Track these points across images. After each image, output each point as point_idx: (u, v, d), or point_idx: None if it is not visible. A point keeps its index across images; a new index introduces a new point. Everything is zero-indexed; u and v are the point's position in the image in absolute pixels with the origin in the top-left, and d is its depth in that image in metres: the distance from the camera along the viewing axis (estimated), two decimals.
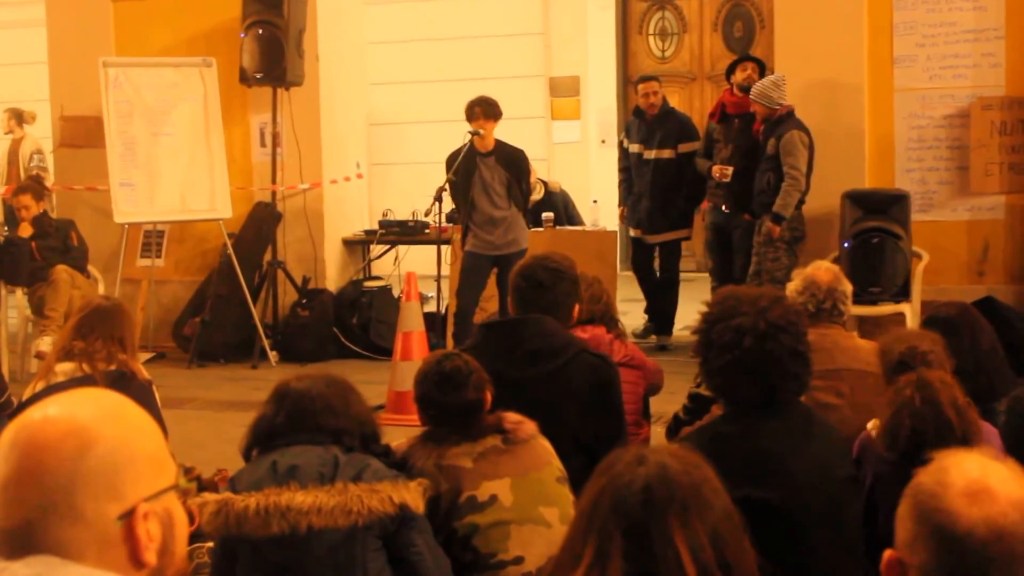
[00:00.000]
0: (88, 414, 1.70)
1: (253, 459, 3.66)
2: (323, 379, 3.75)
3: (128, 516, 1.67)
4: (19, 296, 9.81)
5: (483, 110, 8.72)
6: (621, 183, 10.41)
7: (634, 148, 10.07)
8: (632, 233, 10.31)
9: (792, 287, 4.95)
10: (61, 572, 1.60)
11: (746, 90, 9.21)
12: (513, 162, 8.86)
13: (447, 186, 8.76)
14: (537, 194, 10.80)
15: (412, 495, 3.52)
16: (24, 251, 9.58)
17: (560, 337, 4.39)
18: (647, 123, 9.98)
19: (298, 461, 3.52)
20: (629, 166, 10.19)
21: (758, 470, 3.21)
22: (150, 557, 1.68)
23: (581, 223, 11.07)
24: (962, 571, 1.76)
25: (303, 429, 3.61)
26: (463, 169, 8.75)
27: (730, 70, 9.69)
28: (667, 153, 9.86)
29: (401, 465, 3.72)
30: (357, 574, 3.50)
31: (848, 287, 4.99)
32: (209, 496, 3.55)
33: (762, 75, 9.31)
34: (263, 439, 3.65)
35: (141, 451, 1.71)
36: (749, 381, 3.35)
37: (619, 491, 2.00)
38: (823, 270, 4.99)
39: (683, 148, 9.83)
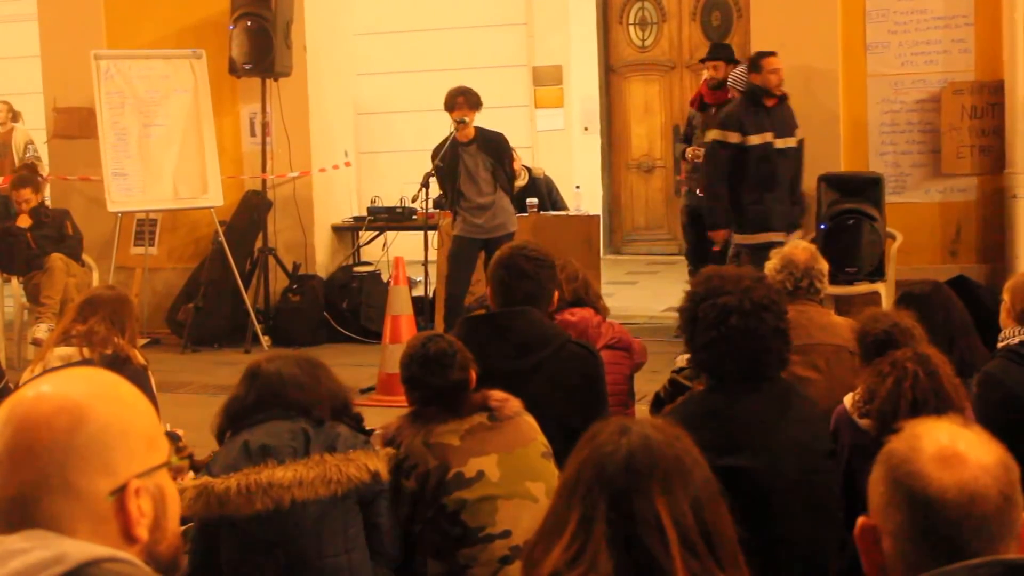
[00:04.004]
0: (81, 391, 1.71)
1: (226, 441, 3.69)
2: (293, 358, 3.80)
3: (120, 492, 1.67)
4: (15, 284, 9.88)
5: (466, 99, 8.72)
6: (712, 185, 8.83)
7: (759, 139, 8.70)
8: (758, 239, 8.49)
9: (770, 266, 5.04)
10: (55, 545, 1.60)
11: (717, 86, 9.39)
12: (494, 146, 8.88)
13: (435, 173, 8.81)
14: (521, 180, 10.90)
15: (382, 464, 3.64)
16: (20, 240, 9.65)
17: (546, 328, 4.46)
18: (770, 109, 8.79)
19: (268, 439, 3.57)
20: (726, 164, 8.71)
21: (739, 441, 3.31)
22: (141, 532, 1.69)
23: (565, 208, 11.20)
24: (935, 534, 1.80)
25: (272, 406, 3.66)
26: (448, 159, 8.79)
27: (705, 61, 9.82)
28: (793, 142, 8.87)
29: (366, 431, 3.81)
30: (340, 541, 3.60)
31: (824, 266, 5.09)
32: (187, 483, 3.55)
33: (728, 63, 9.42)
34: (235, 419, 3.70)
35: (134, 428, 1.71)
36: (733, 357, 3.45)
37: (602, 460, 2.04)
38: (800, 249, 5.11)
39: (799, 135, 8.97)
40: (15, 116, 12.75)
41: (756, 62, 8.79)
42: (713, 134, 8.77)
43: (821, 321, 4.84)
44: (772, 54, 8.80)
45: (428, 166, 8.87)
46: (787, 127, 8.80)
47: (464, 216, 8.91)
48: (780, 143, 8.70)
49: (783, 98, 8.79)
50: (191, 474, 3.88)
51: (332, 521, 3.59)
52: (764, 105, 8.71)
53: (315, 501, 3.52)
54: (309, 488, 3.50)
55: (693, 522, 2.00)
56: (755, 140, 8.64)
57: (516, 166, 10.52)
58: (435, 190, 9.11)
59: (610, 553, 1.98)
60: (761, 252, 8.02)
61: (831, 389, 4.43)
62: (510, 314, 4.47)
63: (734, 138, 8.66)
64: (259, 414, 3.65)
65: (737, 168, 8.67)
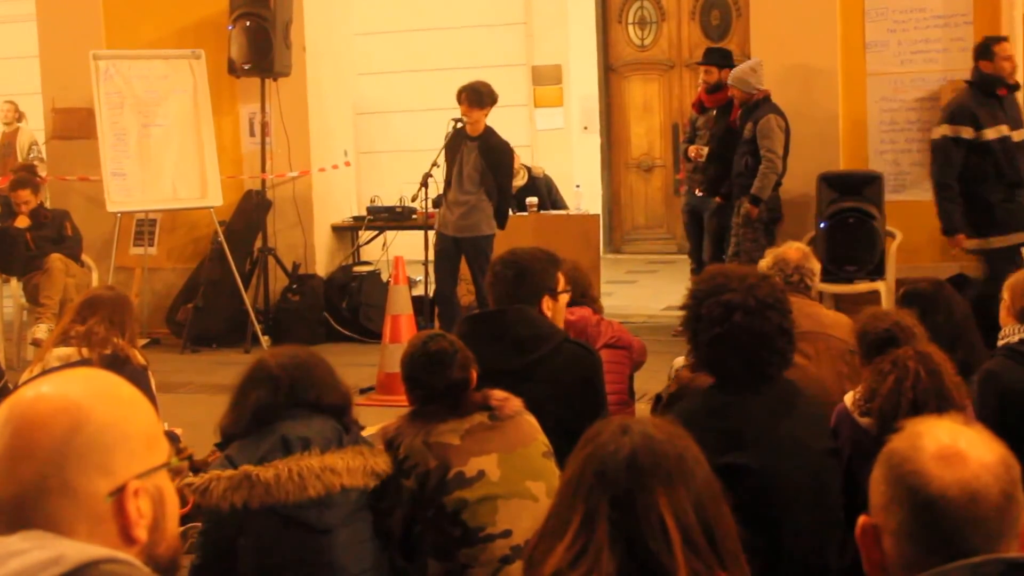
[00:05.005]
0: (81, 392, 1.70)
1: (248, 437, 3.66)
2: (303, 353, 3.81)
3: (119, 493, 1.67)
4: (14, 285, 9.87)
5: (467, 97, 8.76)
6: (946, 186, 8.06)
7: (995, 132, 8.02)
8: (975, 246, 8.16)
9: (763, 263, 5.13)
10: (54, 545, 1.60)
11: (713, 89, 9.42)
12: (492, 153, 8.85)
13: (441, 166, 8.87)
14: (521, 180, 10.94)
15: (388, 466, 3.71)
16: (19, 241, 9.64)
17: (543, 326, 4.48)
18: (1001, 99, 8.13)
19: (307, 432, 3.60)
20: (959, 162, 8.04)
21: (740, 440, 3.30)
22: (140, 533, 1.69)
23: (565, 207, 11.22)
24: (936, 532, 1.80)
25: (301, 404, 3.67)
26: (451, 149, 8.86)
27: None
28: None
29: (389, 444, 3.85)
30: (369, 529, 3.65)
31: (816, 266, 5.19)
32: (221, 472, 3.54)
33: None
34: (263, 418, 3.65)
35: (133, 429, 1.71)
36: (736, 355, 3.44)
37: (604, 460, 2.04)
38: (793, 249, 5.20)
39: None
40: (20, 116, 12.74)
41: (987, 48, 8.10)
42: (943, 130, 8.00)
43: (808, 311, 4.86)
44: (1004, 39, 8.15)
45: (427, 166, 8.89)
46: (1019, 118, 8.14)
47: (441, 211, 9.00)
48: (1017, 135, 8.04)
49: (1015, 88, 8.16)
50: (191, 476, 3.86)
51: (363, 509, 3.63)
52: (996, 95, 8.02)
53: (354, 489, 3.56)
54: (356, 476, 3.55)
55: (695, 521, 2.00)
56: (991, 134, 7.93)
57: (515, 166, 10.54)
58: (434, 190, 9.13)
59: (613, 552, 1.98)
60: (1009, 255, 7.76)
61: (819, 376, 4.48)
62: (506, 312, 4.50)
63: (967, 133, 7.92)
64: (289, 411, 3.66)
65: (972, 165, 7.96)
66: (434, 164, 8.86)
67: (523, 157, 11.32)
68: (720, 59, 9.66)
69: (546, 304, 4.61)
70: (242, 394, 3.72)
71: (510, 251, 4.74)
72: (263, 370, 3.72)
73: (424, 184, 8.81)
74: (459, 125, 8.79)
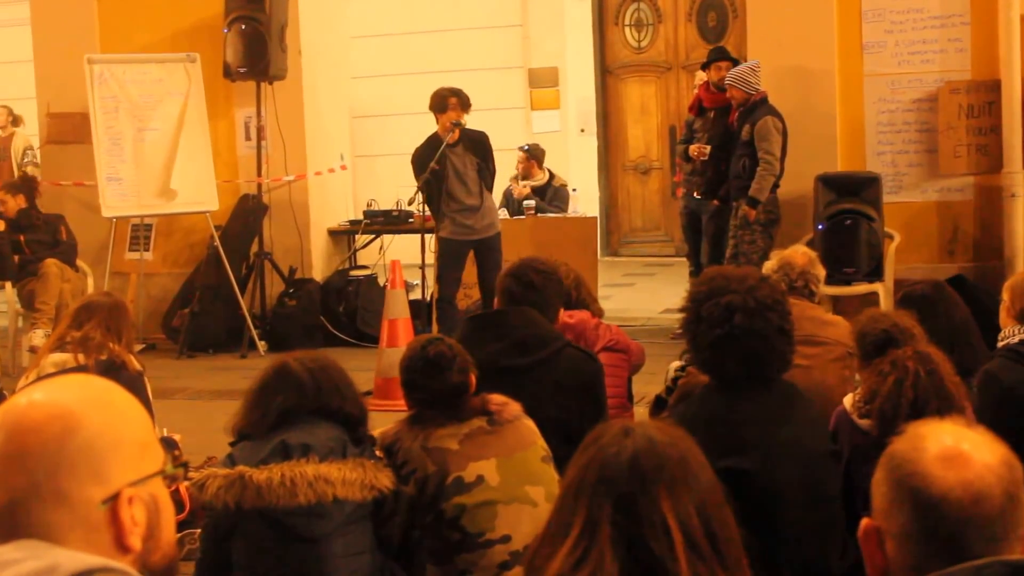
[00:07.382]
0: (73, 398, 1.69)
1: (252, 439, 3.68)
2: (324, 358, 3.82)
3: (112, 500, 1.66)
4: (9, 291, 9.85)
5: (459, 100, 8.75)
6: None
7: None
8: None
9: (768, 265, 5.14)
10: (48, 555, 1.59)
11: (722, 89, 9.36)
12: (478, 144, 8.87)
13: (429, 177, 8.82)
14: (539, 181, 11.00)
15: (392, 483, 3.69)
16: (3, 245, 9.62)
17: (545, 328, 4.49)
18: None
19: (308, 439, 3.59)
20: None
21: (741, 442, 3.30)
22: (134, 542, 1.67)
23: None
24: (939, 534, 1.79)
25: (322, 410, 3.69)
26: (439, 165, 8.78)
27: (707, 65, 9.80)
28: None
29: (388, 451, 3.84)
30: (363, 542, 3.63)
31: (822, 272, 5.17)
32: (218, 470, 3.57)
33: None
34: (287, 421, 3.67)
35: (127, 436, 1.70)
36: (736, 356, 3.44)
37: (607, 462, 2.03)
38: (800, 254, 5.19)
39: None
40: (16, 120, 12.69)
41: None
42: None
43: (811, 315, 4.89)
44: None
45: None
46: None
47: (453, 218, 8.90)
48: None
49: None
50: (187, 483, 3.86)
51: (359, 522, 3.62)
52: None
53: (349, 502, 3.55)
54: (351, 488, 3.54)
55: (698, 523, 1.99)
56: None
57: (535, 171, 10.63)
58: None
59: (615, 556, 1.97)
60: None
61: (822, 380, 4.51)
62: (510, 312, 4.51)
63: None
64: (297, 416, 3.66)
65: None
66: (432, 167, 8.82)
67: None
68: (729, 55, 9.67)
69: (562, 316, 4.68)
70: (264, 396, 3.72)
71: (532, 259, 4.74)
72: (288, 373, 3.72)
73: (421, 189, 8.78)
74: (462, 122, 8.76)
